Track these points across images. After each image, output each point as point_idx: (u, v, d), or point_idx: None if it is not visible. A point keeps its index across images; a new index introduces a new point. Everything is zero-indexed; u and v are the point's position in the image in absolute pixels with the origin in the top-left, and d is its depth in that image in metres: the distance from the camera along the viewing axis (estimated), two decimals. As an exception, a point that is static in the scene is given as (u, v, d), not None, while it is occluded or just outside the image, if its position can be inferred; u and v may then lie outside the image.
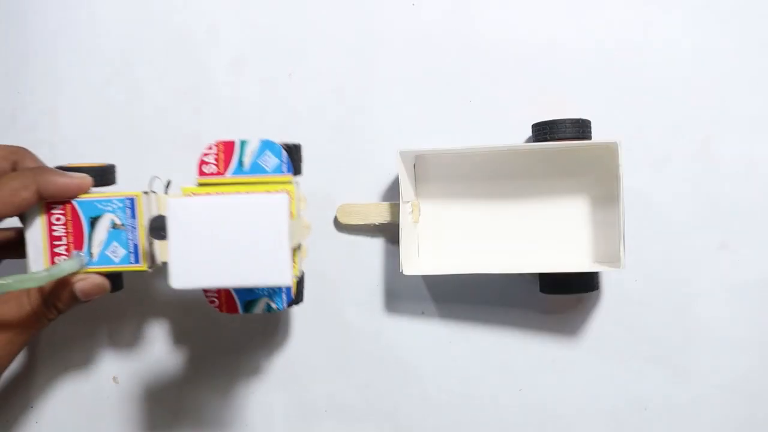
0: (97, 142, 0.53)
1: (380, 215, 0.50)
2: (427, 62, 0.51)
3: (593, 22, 0.50)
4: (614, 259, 0.46)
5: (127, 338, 0.52)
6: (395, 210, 0.48)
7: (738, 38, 0.50)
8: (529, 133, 0.50)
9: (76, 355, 0.52)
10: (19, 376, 0.53)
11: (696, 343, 0.49)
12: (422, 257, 0.50)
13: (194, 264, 0.38)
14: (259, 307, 0.43)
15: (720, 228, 0.49)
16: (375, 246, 0.51)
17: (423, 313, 0.51)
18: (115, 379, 0.52)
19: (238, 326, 0.52)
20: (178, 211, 0.38)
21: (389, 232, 0.51)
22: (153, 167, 0.50)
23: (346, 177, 0.51)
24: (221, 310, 0.43)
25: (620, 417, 0.50)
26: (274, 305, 0.43)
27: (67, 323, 0.52)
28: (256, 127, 0.52)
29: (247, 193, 0.42)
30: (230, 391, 0.52)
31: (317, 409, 0.51)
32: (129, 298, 0.52)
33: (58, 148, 0.53)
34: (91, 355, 0.52)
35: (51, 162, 0.52)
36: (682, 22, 0.50)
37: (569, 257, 0.49)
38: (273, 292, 0.43)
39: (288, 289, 0.43)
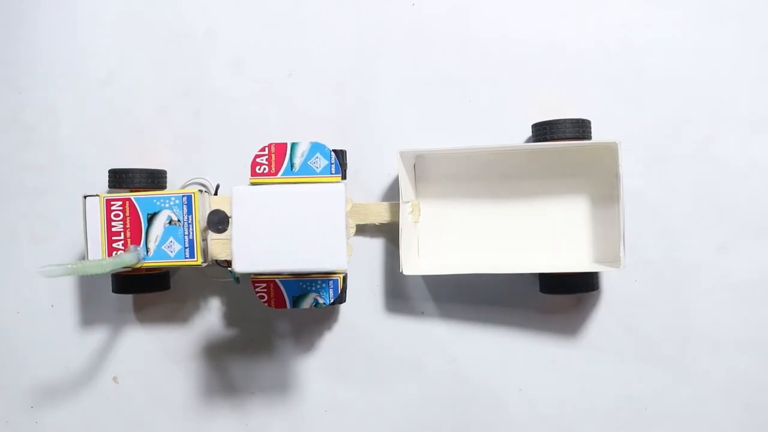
0: (97, 142, 0.53)
1: (380, 215, 0.49)
2: (427, 62, 0.51)
3: (593, 22, 0.50)
4: (614, 259, 0.46)
5: (127, 338, 0.52)
6: (395, 210, 0.48)
7: (738, 38, 0.50)
8: (529, 133, 0.50)
9: (76, 355, 0.52)
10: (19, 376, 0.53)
11: (696, 343, 0.49)
12: (422, 257, 0.50)
13: (256, 249, 0.40)
14: (307, 302, 0.44)
15: (720, 228, 0.49)
16: (375, 246, 0.51)
17: (423, 313, 0.51)
18: (115, 379, 0.52)
19: (238, 329, 0.52)
20: (241, 199, 0.40)
21: (389, 232, 0.51)
22: (153, 167, 0.50)
23: (346, 177, 0.51)
24: (270, 305, 0.44)
25: (620, 417, 0.50)
26: (321, 300, 0.44)
27: (66, 323, 0.52)
28: (256, 127, 0.52)
29: (306, 183, 0.43)
30: (229, 391, 0.52)
31: (317, 408, 0.51)
32: (128, 299, 0.52)
33: (58, 148, 0.53)
34: (91, 355, 0.52)
35: (52, 162, 0.53)
36: (682, 22, 0.50)
37: (569, 257, 0.49)
38: (321, 287, 0.44)
39: (335, 285, 0.44)
